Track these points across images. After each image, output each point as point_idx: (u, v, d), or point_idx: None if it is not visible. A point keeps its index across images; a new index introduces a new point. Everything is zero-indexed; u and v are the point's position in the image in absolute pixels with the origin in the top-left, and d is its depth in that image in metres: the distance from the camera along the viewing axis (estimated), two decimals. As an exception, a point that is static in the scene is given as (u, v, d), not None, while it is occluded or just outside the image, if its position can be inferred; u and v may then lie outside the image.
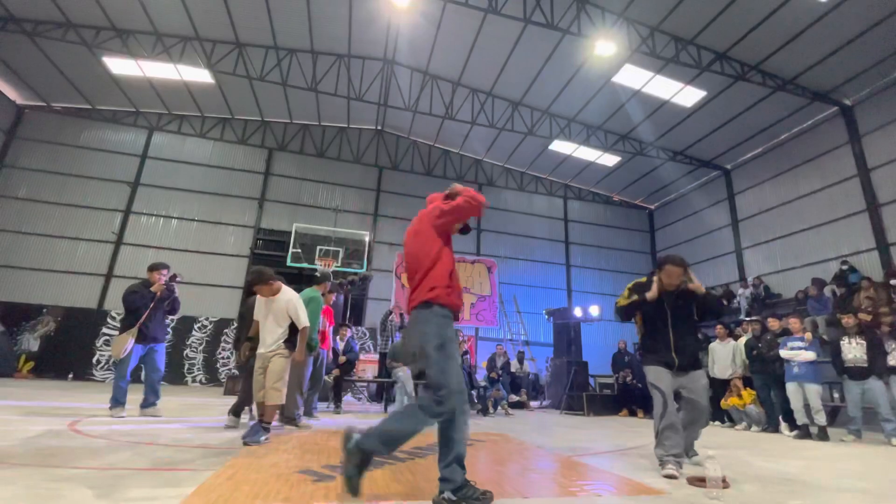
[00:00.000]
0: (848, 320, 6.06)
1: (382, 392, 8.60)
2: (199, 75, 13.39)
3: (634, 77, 12.57)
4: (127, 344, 4.87)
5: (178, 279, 5.58)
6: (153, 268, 5.30)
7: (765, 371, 6.63)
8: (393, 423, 2.22)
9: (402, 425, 2.21)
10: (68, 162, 13.98)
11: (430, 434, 4.91)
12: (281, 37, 12.76)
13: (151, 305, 5.10)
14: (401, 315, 8.74)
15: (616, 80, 12.78)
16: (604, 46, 11.11)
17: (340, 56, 13.55)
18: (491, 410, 7.92)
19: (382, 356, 8.44)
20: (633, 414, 8.86)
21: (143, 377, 5.26)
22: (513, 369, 11.14)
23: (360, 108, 15.58)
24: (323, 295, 5.50)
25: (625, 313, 3.59)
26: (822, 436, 5.59)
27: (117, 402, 4.92)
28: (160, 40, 12.20)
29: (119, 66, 12.89)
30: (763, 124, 13.47)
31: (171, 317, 5.84)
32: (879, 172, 11.30)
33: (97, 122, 14.64)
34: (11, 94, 13.60)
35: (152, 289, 5.15)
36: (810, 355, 5.90)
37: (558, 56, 12.36)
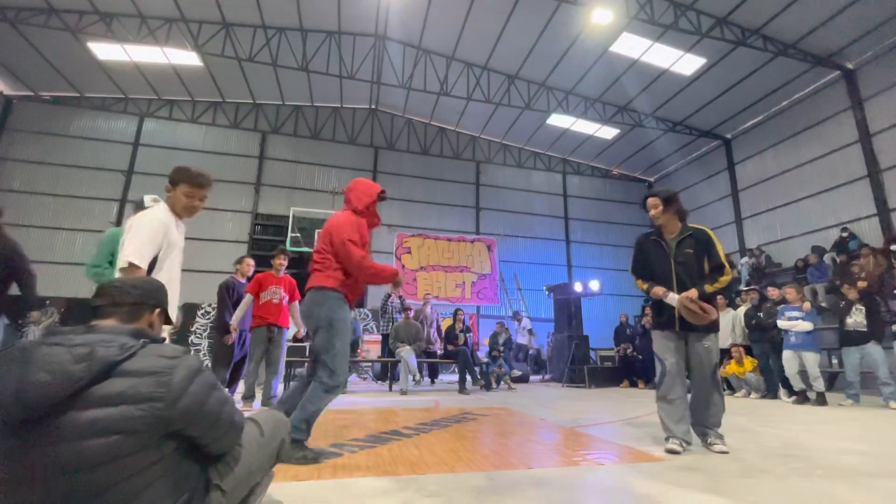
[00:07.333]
0: (851, 292, 6.10)
1: (387, 371, 8.73)
2: (186, 58, 13.06)
3: (632, 46, 12.26)
4: None
5: None
6: None
7: (764, 339, 6.70)
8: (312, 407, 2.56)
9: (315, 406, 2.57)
10: (61, 152, 13.80)
11: (434, 411, 4.98)
12: (268, 15, 12.40)
13: None
14: (400, 297, 8.82)
15: (614, 50, 12.48)
16: (601, 14, 10.80)
17: (330, 33, 13.21)
18: (494, 385, 8.05)
19: (384, 337, 8.54)
20: (633, 385, 8.99)
21: None
22: (524, 340, 12.12)
23: (353, 87, 15.27)
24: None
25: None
26: (821, 401, 5.68)
27: None
28: (145, 23, 11.87)
29: (105, 51, 12.56)
30: (764, 91, 13.22)
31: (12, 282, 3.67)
32: (881, 138, 11.15)
33: (87, 110, 14.38)
34: (-2, 84, 13.34)
35: None
36: (807, 325, 5.92)
37: (554, 26, 12.04)
